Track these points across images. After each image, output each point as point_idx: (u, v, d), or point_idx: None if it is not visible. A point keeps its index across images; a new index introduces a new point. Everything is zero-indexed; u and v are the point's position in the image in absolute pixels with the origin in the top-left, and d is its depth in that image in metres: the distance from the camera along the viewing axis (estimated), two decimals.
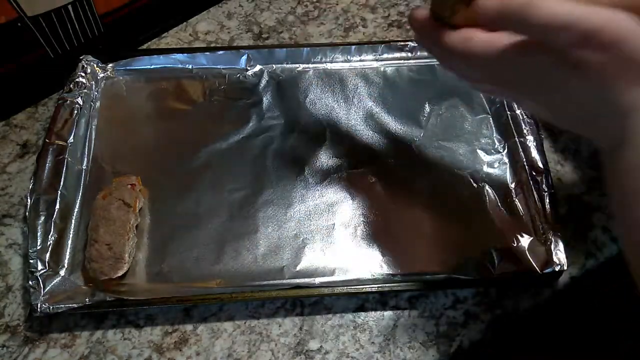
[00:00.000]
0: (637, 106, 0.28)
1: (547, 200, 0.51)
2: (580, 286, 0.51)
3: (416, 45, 0.65)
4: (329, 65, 0.64)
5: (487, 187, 0.55)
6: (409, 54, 0.65)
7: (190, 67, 0.63)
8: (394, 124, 0.60)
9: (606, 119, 0.30)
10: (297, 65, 0.64)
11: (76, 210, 0.52)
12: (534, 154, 0.55)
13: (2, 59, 0.57)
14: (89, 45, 0.63)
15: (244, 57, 0.63)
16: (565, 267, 0.48)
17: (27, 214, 0.49)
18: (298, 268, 0.49)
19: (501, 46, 0.32)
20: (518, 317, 0.49)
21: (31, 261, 0.47)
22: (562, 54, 0.29)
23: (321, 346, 0.47)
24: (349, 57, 0.65)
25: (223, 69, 0.63)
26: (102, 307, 0.46)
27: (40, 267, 0.47)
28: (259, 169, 0.56)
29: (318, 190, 0.55)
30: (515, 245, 0.51)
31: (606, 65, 0.28)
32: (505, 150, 0.57)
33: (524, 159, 0.55)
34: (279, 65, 0.64)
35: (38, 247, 0.47)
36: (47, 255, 0.48)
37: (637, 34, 0.27)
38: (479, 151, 0.58)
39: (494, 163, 0.57)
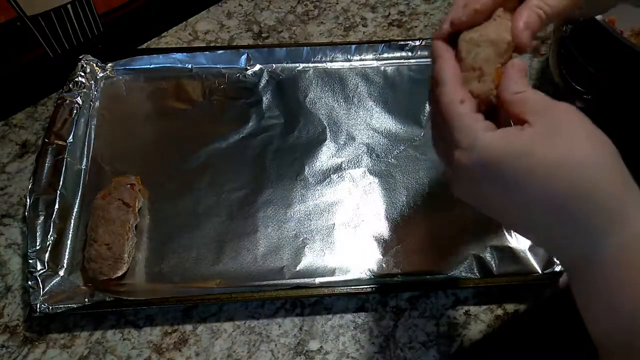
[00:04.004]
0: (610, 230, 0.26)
1: None
2: None
3: (416, 44, 0.64)
4: (329, 65, 0.64)
5: None
6: (410, 54, 0.65)
7: (189, 66, 0.63)
8: (394, 124, 0.60)
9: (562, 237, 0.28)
10: (297, 64, 0.64)
11: (75, 210, 0.52)
12: None
13: (1, 59, 0.57)
14: (88, 45, 0.63)
15: (244, 57, 0.63)
16: None
17: (26, 213, 0.49)
18: (298, 268, 0.49)
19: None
20: (518, 317, 0.49)
21: (30, 261, 0.47)
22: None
23: (321, 346, 0.47)
24: (349, 56, 0.64)
25: (223, 68, 0.63)
26: (101, 307, 0.46)
27: (39, 267, 0.46)
28: (258, 168, 0.56)
29: (318, 190, 0.54)
30: (515, 245, 0.51)
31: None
32: None
33: None
34: (279, 65, 0.64)
35: (37, 247, 0.47)
36: (47, 255, 0.47)
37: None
38: None
39: None
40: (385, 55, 0.65)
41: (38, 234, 0.48)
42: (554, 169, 0.26)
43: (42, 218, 0.49)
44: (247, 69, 0.63)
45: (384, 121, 0.60)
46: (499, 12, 0.33)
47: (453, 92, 0.31)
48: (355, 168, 0.56)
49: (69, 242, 0.50)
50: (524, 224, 0.30)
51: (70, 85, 0.58)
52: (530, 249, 0.50)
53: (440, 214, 0.53)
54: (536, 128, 0.28)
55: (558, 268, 0.48)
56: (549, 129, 0.27)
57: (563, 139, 0.27)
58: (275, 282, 0.48)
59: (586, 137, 0.27)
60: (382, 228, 0.52)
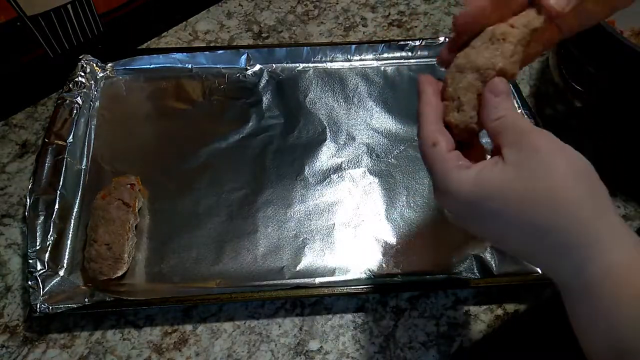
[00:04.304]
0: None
1: None
2: None
3: (416, 44, 0.64)
4: (329, 65, 0.64)
5: None
6: (410, 54, 0.65)
7: (189, 66, 0.63)
8: (394, 124, 0.60)
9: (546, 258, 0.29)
10: (297, 64, 0.64)
11: (75, 210, 0.52)
12: None
13: (1, 59, 0.57)
14: (88, 45, 0.63)
15: (244, 57, 0.63)
16: None
17: (26, 214, 0.49)
18: (298, 268, 0.49)
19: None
20: (518, 317, 0.49)
21: (30, 261, 0.47)
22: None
23: (321, 346, 0.47)
24: (349, 56, 0.64)
25: (223, 68, 0.63)
26: (101, 307, 0.46)
27: (39, 267, 0.46)
28: (258, 168, 0.56)
29: (318, 190, 0.54)
30: None
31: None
32: None
33: None
34: (279, 65, 0.64)
35: (37, 247, 0.47)
36: (47, 255, 0.47)
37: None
38: None
39: None
40: (385, 55, 0.65)
41: (38, 234, 0.48)
42: (524, 206, 0.27)
43: (42, 218, 0.49)
44: (247, 69, 0.63)
45: (384, 121, 0.60)
46: (514, 21, 0.32)
47: (426, 136, 0.32)
48: (355, 168, 0.56)
49: (69, 242, 0.50)
50: (508, 248, 0.31)
51: (70, 85, 0.58)
52: None
53: (440, 214, 0.53)
54: (508, 162, 0.28)
55: None
56: (520, 161, 0.28)
57: (534, 173, 0.28)
58: (275, 282, 0.48)
59: (552, 171, 0.28)
60: (382, 228, 0.52)
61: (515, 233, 0.29)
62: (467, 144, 0.34)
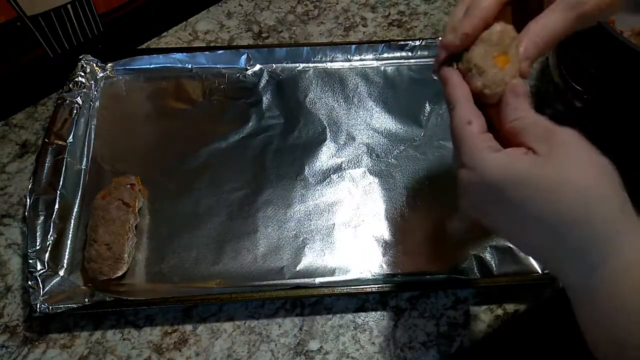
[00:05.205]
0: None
1: None
2: None
3: (416, 44, 0.64)
4: (329, 65, 0.64)
5: None
6: (410, 54, 0.65)
7: (189, 66, 0.63)
8: (394, 124, 0.60)
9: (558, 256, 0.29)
10: (297, 64, 0.64)
11: (75, 210, 0.52)
12: None
13: (1, 59, 0.57)
14: (88, 45, 0.63)
15: (244, 57, 0.63)
16: None
17: (26, 214, 0.49)
18: (298, 268, 0.49)
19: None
20: (518, 317, 0.49)
21: (30, 261, 0.47)
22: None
23: (321, 346, 0.47)
24: (349, 56, 0.64)
25: (223, 68, 0.63)
26: (101, 307, 0.46)
27: (39, 267, 0.47)
28: (258, 168, 0.56)
29: (318, 190, 0.54)
30: None
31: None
32: None
33: None
34: (279, 65, 0.64)
35: (37, 247, 0.47)
36: (47, 255, 0.48)
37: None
38: None
39: None
40: (385, 55, 0.65)
41: (38, 234, 0.48)
42: (553, 197, 0.27)
43: (42, 218, 0.49)
44: (247, 69, 0.63)
45: (384, 121, 0.60)
46: (498, 27, 0.33)
47: (461, 114, 0.32)
48: (355, 168, 0.56)
49: (69, 242, 0.50)
50: (522, 242, 0.32)
51: (70, 85, 0.58)
52: None
53: (440, 214, 0.53)
54: (541, 154, 0.29)
55: None
56: (553, 154, 0.28)
57: (566, 166, 0.28)
58: (275, 282, 0.48)
59: (583, 164, 0.28)
60: (382, 228, 0.52)
61: (533, 226, 0.29)
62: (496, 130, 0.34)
